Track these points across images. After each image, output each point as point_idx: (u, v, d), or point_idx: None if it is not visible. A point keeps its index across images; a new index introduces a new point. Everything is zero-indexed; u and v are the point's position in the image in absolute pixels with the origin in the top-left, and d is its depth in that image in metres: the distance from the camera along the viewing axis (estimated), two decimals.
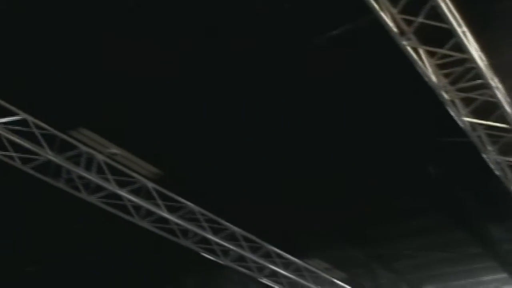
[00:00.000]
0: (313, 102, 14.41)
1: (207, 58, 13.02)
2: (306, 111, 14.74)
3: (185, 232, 17.91)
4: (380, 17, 10.70)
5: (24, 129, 14.05)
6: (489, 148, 14.01)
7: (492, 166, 14.52)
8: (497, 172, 14.76)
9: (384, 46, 11.91)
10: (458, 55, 11.45)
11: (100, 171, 15.31)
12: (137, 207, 16.61)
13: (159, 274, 23.86)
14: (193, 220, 17.59)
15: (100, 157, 15.16)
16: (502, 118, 12.81)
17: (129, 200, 16.26)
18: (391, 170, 17.20)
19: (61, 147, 14.60)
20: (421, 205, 19.30)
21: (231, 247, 18.83)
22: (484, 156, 14.18)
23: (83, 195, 15.60)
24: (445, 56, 11.71)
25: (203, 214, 17.67)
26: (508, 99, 12.69)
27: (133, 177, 15.97)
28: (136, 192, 16.20)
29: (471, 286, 28.12)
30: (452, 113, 12.82)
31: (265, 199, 18.75)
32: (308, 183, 18.04)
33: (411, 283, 27.86)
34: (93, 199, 15.80)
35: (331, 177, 17.76)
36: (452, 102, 12.70)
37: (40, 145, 14.19)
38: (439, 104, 12.79)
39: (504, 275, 24.27)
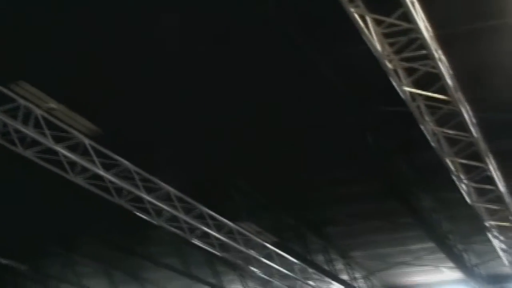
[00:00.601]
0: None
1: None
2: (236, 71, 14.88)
3: (119, 190, 17.87)
4: None
5: None
6: (427, 118, 14.26)
7: (428, 136, 14.78)
8: (432, 143, 15.03)
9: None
10: (404, 25, 11.57)
11: (37, 126, 15.11)
12: (73, 163, 16.46)
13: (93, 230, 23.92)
14: (128, 178, 17.54)
15: (38, 112, 14.94)
16: (443, 89, 13.03)
17: (65, 156, 16.11)
18: (327, 137, 17.36)
19: None
20: (355, 173, 19.62)
21: (165, 207, 18.84)
22: (421, 126, 14.40)
23: (19, 149, 15.42)
24: (391, 25, 11.81)
25: (138, 173, 17.63)
26: (450, 72, 12.91)
27: (70, 133, 15.80)
28: (73, 148, 16.05)
29: (399, 254, 28.80)
30: (394, 83, 12.96)
31: (201, 161, 18.87)
32: (240, 147, 18.20)
33: (339, 249, 28.38)
34: (28, 153, 15.62)
35: (267, 141, 17.94)
36: (395, 71, 12.83)
37: None
38: (380, 73, 12.89)
39: (432, 244, 24.83)
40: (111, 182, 17.34)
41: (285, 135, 17.59)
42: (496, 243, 22.07)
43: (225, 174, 19.93)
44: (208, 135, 17.47)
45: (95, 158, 16.57)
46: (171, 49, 13.93)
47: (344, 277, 29.90)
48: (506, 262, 24.87)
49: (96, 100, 15.53)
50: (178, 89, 15.43)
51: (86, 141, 16.17)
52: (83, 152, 16.28)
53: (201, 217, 20.15)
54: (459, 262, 26.52)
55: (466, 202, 18.28)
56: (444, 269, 30.46)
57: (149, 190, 18.19)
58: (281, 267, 24.96)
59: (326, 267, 27.98)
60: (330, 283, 28.90)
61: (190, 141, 17.76)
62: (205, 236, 21.27)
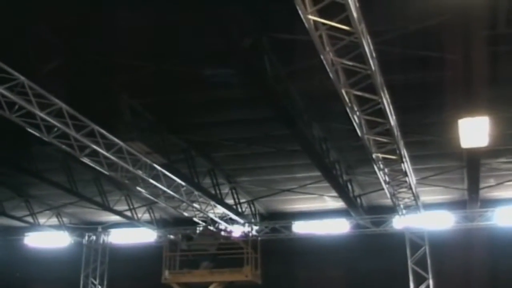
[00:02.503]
0: None
1: None
2: None
3: (11, 105, 17.42)
4: None
5: None
6: (328, 49, 14.32)
7: (327, 67, 14.86)
8: (330, 74, 15.12)
9: None
10: None
11: None
12: None
13: None
14: (21, 94, 17.09)
15: None
16: (347, 20, 13.09)
17: None
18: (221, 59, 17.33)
19: None
20: (245, 97, 19.76)
21: (56, 123, 18.51)
22: (321, 56, 14.45)
23: None
24: None
25: (32, 88, 17.18)
26: (356, 3, 12.96)
27: None
28: None
29: (284, 181, 29.31)
30: (299, 10, 12.90)
31: (95, 80, 18.64)
32: (130, 68, 18.08)
33: (226, 173, 28.70)
34: None
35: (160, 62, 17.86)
36: None
37: None
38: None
39: (318, 173, 25.35)
40: (3, 96, 16.87)
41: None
42: (380, 175, 22.67)
43: (119, 94, 19.72)
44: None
45: None
46: None
47: (229, 201, 30.37)
48: (388, 194, 25.64)
49: None
50: None
51: None
52: None
53: (91, 135, 19.90)
54: (343, 192, 27.27)
55: (355, 133, 18.59)
56: (327, 198, 31.27)
57: (41, 106, 17.79)
58: (168, 188, 25.08)
59: (212, 191, 28.30)
60: (215, 206, 29.29)
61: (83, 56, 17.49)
62: (94, 155, 21.09)
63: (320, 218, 33.81)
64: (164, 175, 24.38)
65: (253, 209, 33.23)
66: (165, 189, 25.01)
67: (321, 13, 13.04)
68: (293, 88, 19.15)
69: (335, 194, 28.17)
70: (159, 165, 23.62)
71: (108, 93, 19.57)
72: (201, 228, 31.35)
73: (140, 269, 33.71)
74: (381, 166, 21.72)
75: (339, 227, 33.64)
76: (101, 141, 20.27)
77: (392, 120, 17.83)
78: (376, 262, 31.84)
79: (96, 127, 19.68)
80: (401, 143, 20.03)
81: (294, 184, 29.84)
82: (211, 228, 31.07)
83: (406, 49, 16.29)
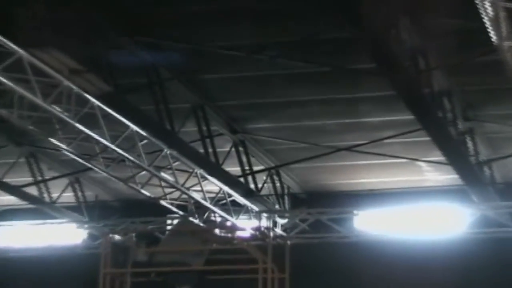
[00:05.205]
0: None
1: None
2: None
3: None
4: None
5: None
6: None
7: None
8: None
9: None
10: None
11: None
12: None
13: None
14: None
15: None
16: None
17: None
18: None
19: None
20: None
21: None
22: None
23: None
24: None
25: None
26: None
27: None
28: None
29: (341, 131, 29.21)
30: None
31: None
32: None
33: (227, 114, 28.56)
34: None
35: None
36: None
37: None
38: None
39: (407, 116, 24.82)
40: None
41: None
42: None
43: None
44: None
45: None
46: None
47: (233, 168, 30.11)
48: None
49: None
50: None
51: None
52: None
53: None
54: (456, 155, 26.91)
55: (483, 35, 18.26)
56: (425, 167, 31.15)
57: None
58: (112, 143, 24.97)
59: (199, 148, 28.07)
60: (204, 178, 29.17)
61: None
62: None
63: (410, 205, 33.78)
64: (106, 114, 24.20)
65: (278, 184, 33.13)
66: (106, 142, 24.88)
67: None
68: None
69: (440, 157, 27.97)
70: (96, 95, 23.39)
71: None
72: (176, 221, 31.45)
73: None
74: None
75: (446, 223, 33.60)
76: None
77: None
78: None
79: None
80: None
81: (361, 138, 29.63)
82: (195, 220, 31.14)
83: None
